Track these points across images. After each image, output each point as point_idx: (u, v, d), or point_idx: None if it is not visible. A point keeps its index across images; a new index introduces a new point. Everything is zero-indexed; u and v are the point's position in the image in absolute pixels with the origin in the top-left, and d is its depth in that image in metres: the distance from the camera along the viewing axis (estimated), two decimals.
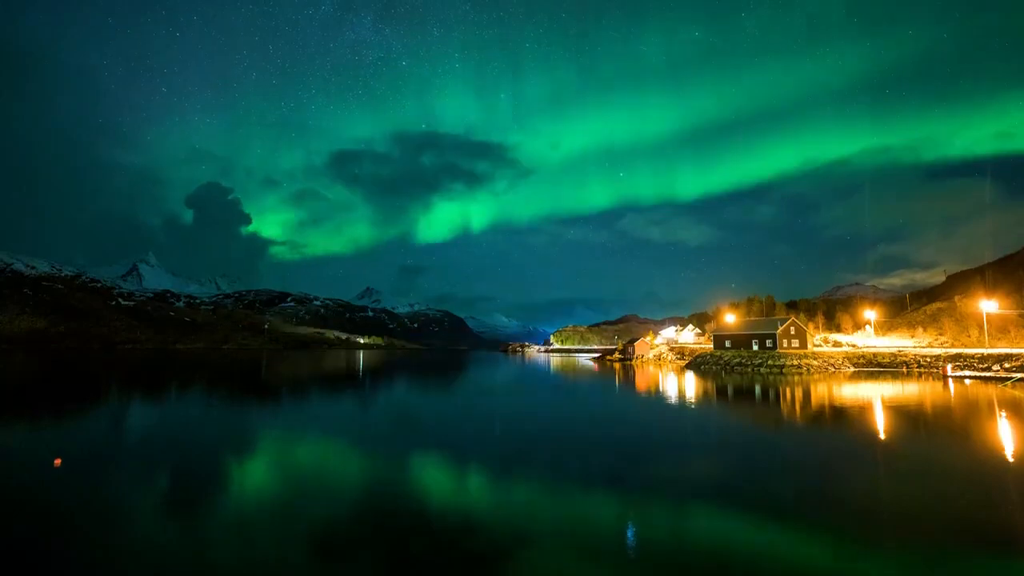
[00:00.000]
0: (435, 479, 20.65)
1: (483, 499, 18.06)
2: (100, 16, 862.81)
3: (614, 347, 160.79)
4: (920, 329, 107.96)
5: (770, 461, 23.24)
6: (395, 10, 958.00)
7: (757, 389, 56.57)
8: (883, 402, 43.06)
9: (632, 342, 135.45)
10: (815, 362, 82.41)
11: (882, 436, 28.87)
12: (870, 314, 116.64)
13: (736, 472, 20.95)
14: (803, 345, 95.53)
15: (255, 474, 21.94)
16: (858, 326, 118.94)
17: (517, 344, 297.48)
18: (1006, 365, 66.89)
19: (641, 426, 34.47)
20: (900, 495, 17.80)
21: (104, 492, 18.33)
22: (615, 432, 31.68)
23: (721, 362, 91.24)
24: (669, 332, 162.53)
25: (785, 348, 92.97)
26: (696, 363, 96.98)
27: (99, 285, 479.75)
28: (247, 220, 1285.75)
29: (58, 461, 22.10)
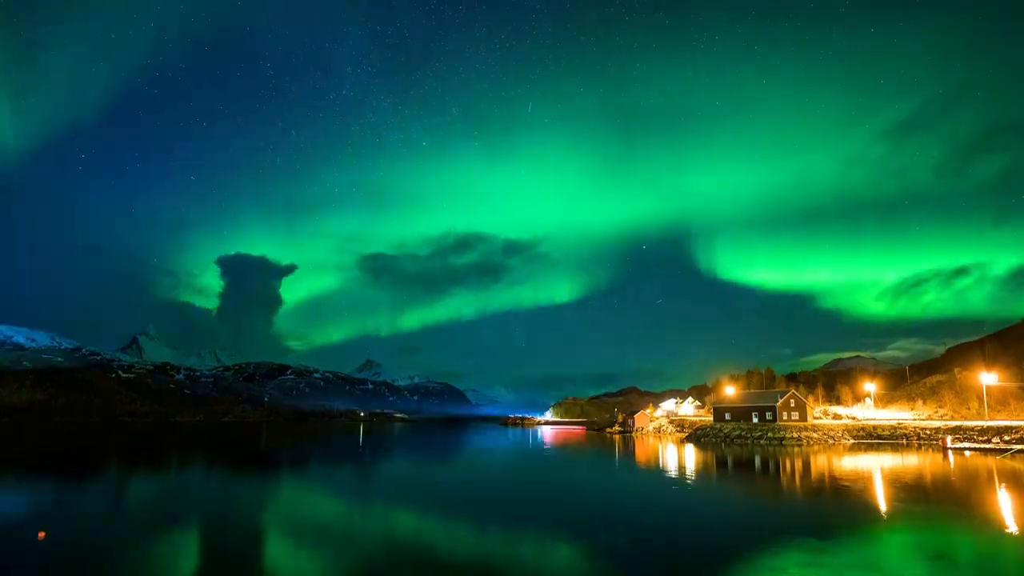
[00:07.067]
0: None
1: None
2: (132, 109, 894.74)
3: (614, 419, 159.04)
4: (920, 401, 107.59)
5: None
6: (413, 92, 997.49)
7: (757, 461, 56.54)
8: (883, 474, 43.26)
9: (632, 414, 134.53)
10: (815, 434, 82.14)
11: (883, 511, 29.35)
12: (870, 387, 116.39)
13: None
14: (803, 417, 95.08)
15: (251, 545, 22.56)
16: (858, 399, 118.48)
17: (517, 417, 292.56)
18: (1006, 437, 66.80)
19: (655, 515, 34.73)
20: None
21: (82, 568, 17.94)
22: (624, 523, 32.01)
23: (721, 434, 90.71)
24: (669, 404, 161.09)
25: (785, 420, 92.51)
26: (696, 435, 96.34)
27: (99, 358, 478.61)
28: (278, 303, 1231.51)
29: (42, 534, 22.36)
